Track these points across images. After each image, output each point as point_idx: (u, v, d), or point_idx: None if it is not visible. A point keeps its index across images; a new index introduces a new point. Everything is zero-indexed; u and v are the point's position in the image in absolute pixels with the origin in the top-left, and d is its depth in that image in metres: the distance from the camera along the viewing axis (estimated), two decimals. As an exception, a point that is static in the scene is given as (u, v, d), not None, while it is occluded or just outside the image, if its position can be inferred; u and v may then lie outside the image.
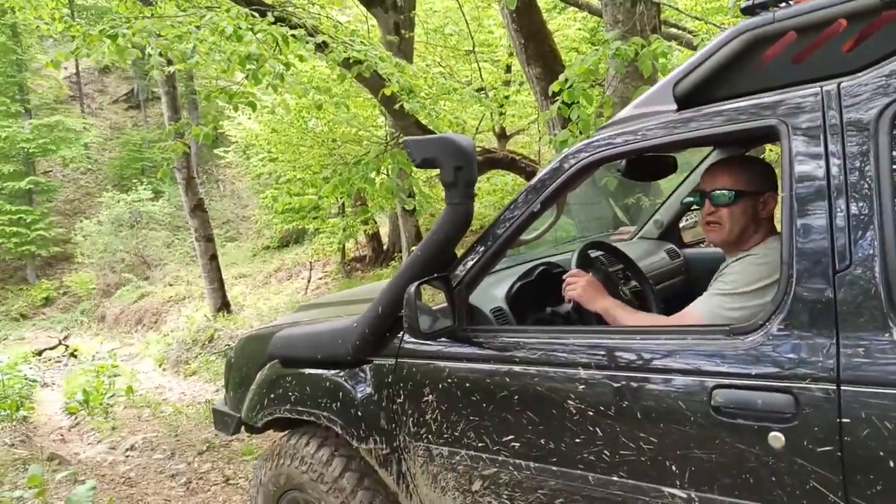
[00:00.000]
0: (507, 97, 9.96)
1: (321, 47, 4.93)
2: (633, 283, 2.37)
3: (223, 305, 11.34)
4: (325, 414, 2.13)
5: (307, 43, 4.80)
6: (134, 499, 4.24)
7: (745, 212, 1.82)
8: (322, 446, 2.24)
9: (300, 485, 2.28)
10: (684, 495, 1.43)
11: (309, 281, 13.85)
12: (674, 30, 7.20)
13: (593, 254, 2.36)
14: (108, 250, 19.15)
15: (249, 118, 11.14)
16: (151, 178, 21.69)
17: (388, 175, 6.79)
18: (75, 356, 12.97)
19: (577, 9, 8.80)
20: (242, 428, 2.62)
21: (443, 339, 1.85)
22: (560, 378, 1.61)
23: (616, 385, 1.52)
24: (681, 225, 3.29)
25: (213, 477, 4.57)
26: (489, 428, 1.75)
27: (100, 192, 22.03)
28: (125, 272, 18.88)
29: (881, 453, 1.19)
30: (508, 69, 11.11)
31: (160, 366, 10.73)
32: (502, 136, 11.49)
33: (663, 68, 3.54)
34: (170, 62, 6.01)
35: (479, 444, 1.77)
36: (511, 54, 9.95)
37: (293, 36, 4.74)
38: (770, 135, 1.44)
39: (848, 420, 1.22)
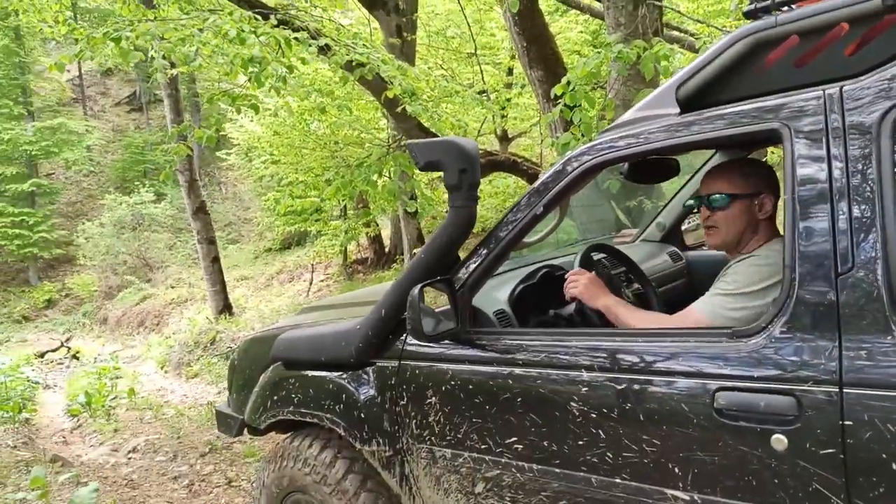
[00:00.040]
0: (508, 100, 9.95)
1: (324, 50, 4.95)
2: (636, 285, 2.37)
3: (225, 308, 11.36)
4: (328, 416, 2.13)
5: (310, 46, 4.82)
6: (136, 501, 4.24)
7: (740, 214, 1.82)
8: (325, 448, 2.25)
9: (303, 487, 2.29)
10: (687, 497, 1.43)
11: (311, 283, 13.85)
12: (676, 33, 7.19)
13: (596, 256, 2.35)
14: (110, 252, 19.16)
15: (252, 121, 11.15)
16: (154, 180, 21.81)
17: (390, 177, 6.80)
18: (77, 358, 12.98)
19: (579, 12, 8.81)
20: (245, 430, 2.63)
21: (446, 341, 1.85)
22: (563, 380, 1.62)
23: (619, 387, 1.52)
24: (683, 227, 3.29)
25: (215, 479, 4.57)
26: (492, 430, 1.75)
27: (102, 195, 22.07)
28: (127, 274, 18.91)
29: (884, 456, 1.19)
30: (510, 72, 11.13)
31: (162, 368, 10.73)
32: (504, 139, 11.49)
33: (665, 71, 3.54)
34: (173, 65, 6.02)
35: (482, 447, 1.77)
36: (513, 57, 9.97)
37: (296, 39, 4.76)
38: (772, 138, 1.45)
39: (850, 422, 1.23)
